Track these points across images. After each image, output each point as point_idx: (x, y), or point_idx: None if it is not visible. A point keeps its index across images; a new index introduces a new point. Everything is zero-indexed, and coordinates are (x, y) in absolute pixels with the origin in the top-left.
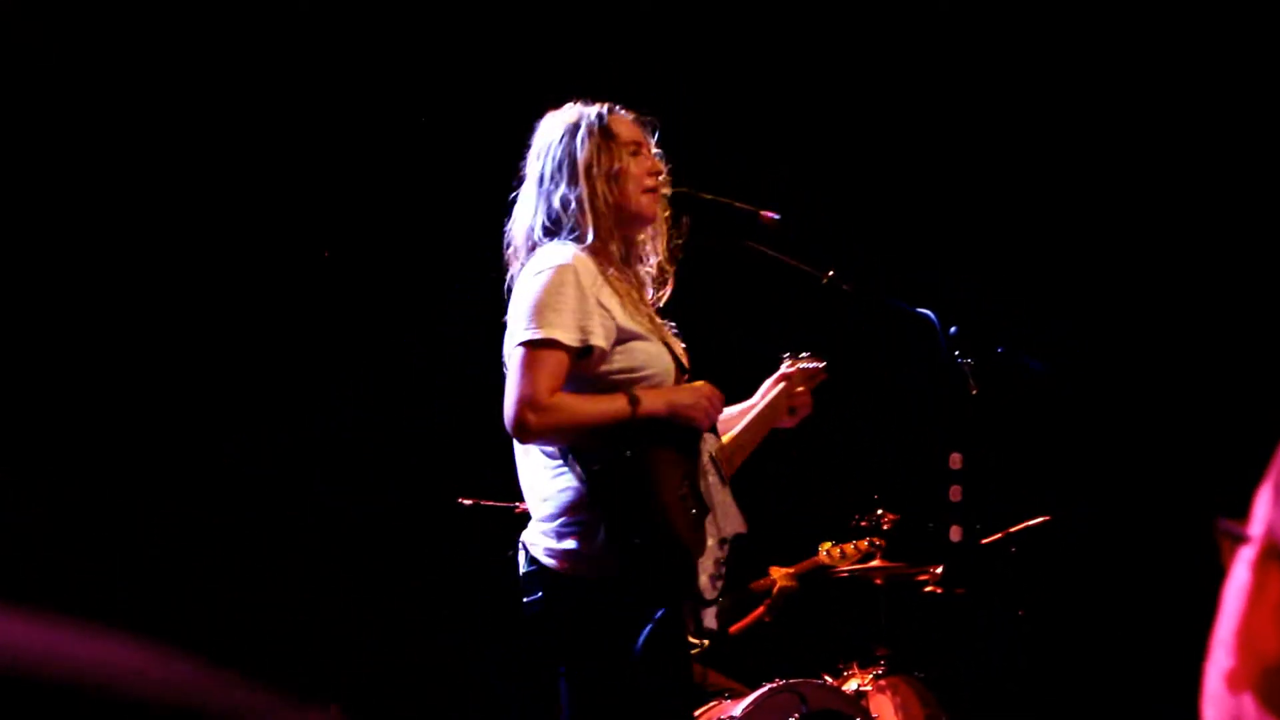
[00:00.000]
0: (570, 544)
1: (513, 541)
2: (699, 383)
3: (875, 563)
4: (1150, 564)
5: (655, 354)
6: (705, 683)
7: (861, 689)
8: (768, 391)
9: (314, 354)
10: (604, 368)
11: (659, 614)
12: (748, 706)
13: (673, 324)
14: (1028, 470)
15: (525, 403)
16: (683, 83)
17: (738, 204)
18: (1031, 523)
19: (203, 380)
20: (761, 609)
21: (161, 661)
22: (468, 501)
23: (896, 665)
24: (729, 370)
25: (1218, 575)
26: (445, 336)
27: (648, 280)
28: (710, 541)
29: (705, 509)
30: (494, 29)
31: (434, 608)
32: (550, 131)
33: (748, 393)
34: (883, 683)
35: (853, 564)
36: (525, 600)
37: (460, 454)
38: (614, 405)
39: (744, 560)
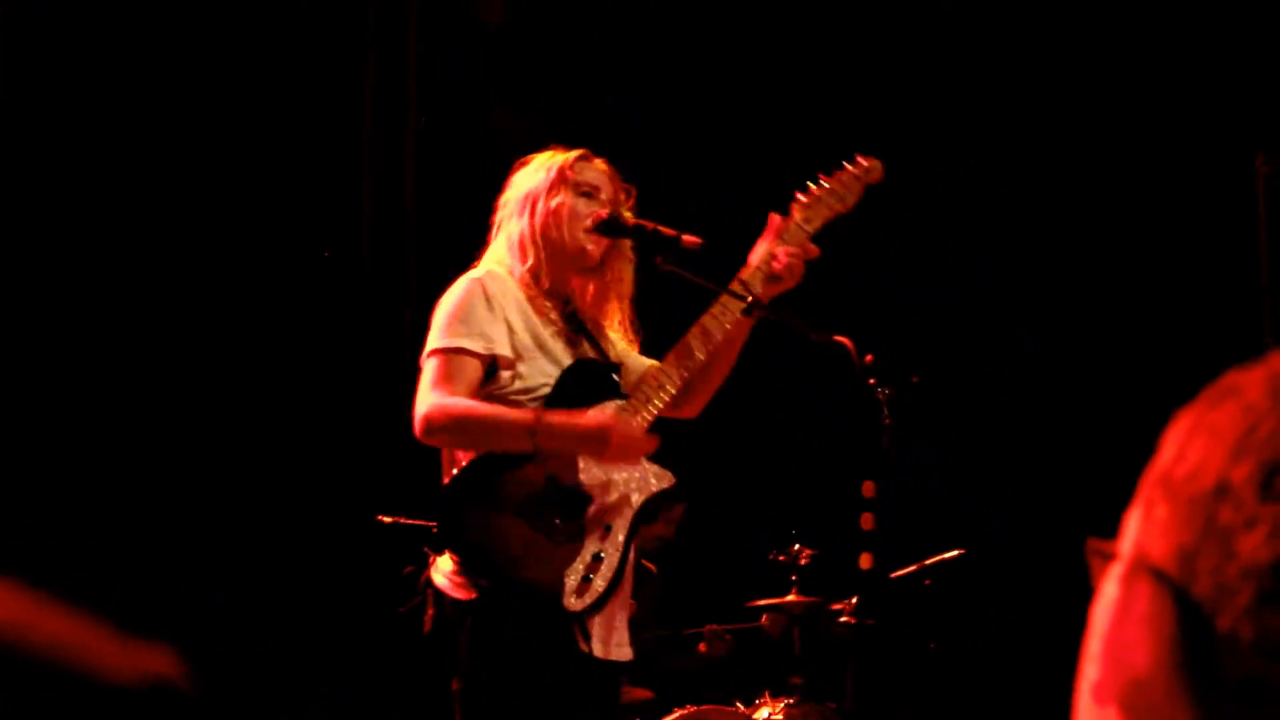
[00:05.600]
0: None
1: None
2: (609, 419)
3: (792, 596)
4: (1057, 592)
5: (549, 371)
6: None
7: (772, 717)
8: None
9: (240, 364)
10: (503, 389)
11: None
12: None
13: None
14: (944, 503)
15: (426, 407)
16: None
17: (662, 229)
18: (945, 556)
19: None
20: (687, 658)
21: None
22: (387, 519)
23: (809, 695)
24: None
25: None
26: (373, 350)
27: (603, 322)
28: (589, 542)
29: (578, 512)
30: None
31: (348, 625)
32: (521, 171)
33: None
34: (795, 712)
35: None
36: (422, 617)
37: (380, 469)
38: (513, 431)
39: (675, 602)
